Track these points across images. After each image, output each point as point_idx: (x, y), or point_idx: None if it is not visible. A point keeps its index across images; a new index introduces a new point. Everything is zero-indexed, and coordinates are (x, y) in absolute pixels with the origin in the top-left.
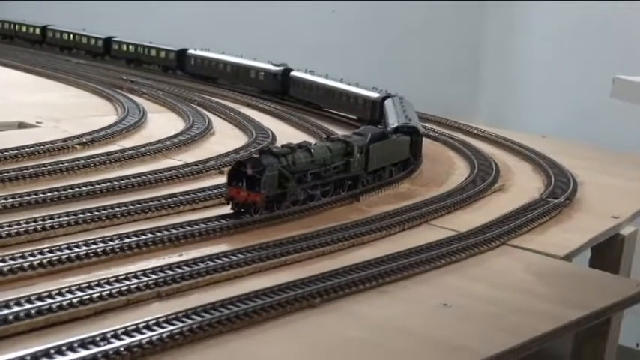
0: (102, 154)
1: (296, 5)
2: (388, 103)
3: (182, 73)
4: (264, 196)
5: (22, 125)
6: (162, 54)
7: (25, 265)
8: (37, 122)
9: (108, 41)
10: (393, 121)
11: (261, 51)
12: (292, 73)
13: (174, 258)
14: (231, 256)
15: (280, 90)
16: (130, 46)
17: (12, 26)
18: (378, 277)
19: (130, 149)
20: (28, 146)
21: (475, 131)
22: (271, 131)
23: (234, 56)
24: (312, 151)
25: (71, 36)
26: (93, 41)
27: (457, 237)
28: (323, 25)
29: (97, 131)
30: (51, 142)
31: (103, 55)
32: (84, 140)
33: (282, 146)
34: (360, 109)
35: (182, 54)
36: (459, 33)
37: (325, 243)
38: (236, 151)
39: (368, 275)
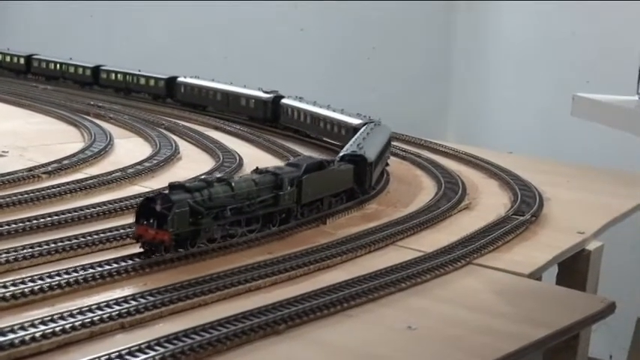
0: (68, 183)
1: (264, 21)
2: (362, 129)
3: (172, 102)
4: (172, 234)
5: None
6: (152, 82)
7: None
8: (2, 152)
9: (96, 70)
10: (347, 148)
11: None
12: (283, 100)
13: (139, 288)
14: (196, 285)
15: (271, 118)
16: (119, 75)
17: None
18: (343, 302)
19: (95, 177)
20: None
21: (442, 149)
22: (238, 154)
23: (224, 84)
24: (232, 184)
25: (58, 65)
26: (81, 70)
27: (423, 258)
28: (291, 44)
29: (63, 159)
30: (16, 172)
31: (91, 85)
32: (49, 169)
33: (199, 180)
34: (342, 136)
35: (172, 82)
36: (428, 51)
37: (290, 268)
38: (206, 174)
39: (333, 300)
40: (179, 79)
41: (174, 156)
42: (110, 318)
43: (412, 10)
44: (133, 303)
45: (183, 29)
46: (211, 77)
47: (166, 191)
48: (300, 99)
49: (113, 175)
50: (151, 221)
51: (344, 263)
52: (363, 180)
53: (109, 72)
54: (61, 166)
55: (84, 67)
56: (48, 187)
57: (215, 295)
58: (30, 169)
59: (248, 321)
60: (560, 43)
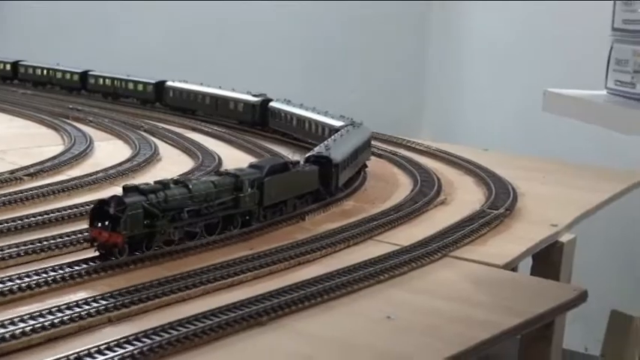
0: (49, 184)
1: (247, 23)
2: (339, 131)
3: (161, 106)
4: (125, 236)
5: None
6: (140, 87)
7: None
8: None
9: (84, 75)
10: (316, 150)
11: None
12: (271, 103)
13: (124, 283)
14: (180, 279)
15: (259, 121)
16: (107, 80)
17: None
18: (323, 294)
19: (76, 178)
20: None
21: (418, 147)
22: (217, 155)
23: (212, 87)
24: (190, 186)
25: (45, 71)
26: (68, 76)
27: (400, 251)
28: (273, 46)
29: (44, 161)
30: None
31: (79, 90)
32: (31, 171)
33: (155, 182)
34: (325, 138)
35: (160, 86)
36: (404, 51)
37: (272, 262)
38: (182, 176)
39: (314, 292)
40: (167, 83)
41: (153, 157)
42: (98, 312)
43: (388, 10)
44: (119, 298)
45: (164, 31)
46: (199, 80)
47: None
48: (288, 102)
49: (94, 176)
50: (106, 224)
51: (324, 257)
52: (328, 181)
53: (97, 77)
54: (42, 168)
55: (71, 73)
56: (31, 189)
57: (199, 290)
58: (12, 172)
59: (232, 313)
60: (535, 42)
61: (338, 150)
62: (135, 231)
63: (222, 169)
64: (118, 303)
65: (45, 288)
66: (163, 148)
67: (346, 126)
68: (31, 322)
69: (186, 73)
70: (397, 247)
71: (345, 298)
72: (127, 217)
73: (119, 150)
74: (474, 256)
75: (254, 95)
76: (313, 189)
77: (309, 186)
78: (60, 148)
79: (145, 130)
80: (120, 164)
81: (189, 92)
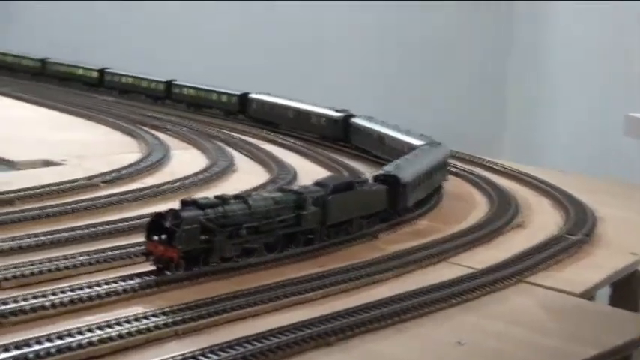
0: (125, 192)
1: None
2: (415, 150)
3: (244, 118)
4: (181, 251)
5: (47, 163)
6: (224, 98)
7: (47, 303)
8: (62, 160)
9: (169, 84)
10: (386, 168)
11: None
12: (354, 119)
13: (194, 296)
14: (248, 295)
15: (341, 137)
16: (191, 90)
17: (68, 68)
18: (394, 316)
19: (152, 187)
20: (52, 184)
21: (496, 167)
22: (293, 167)
23: (295, 101)
24: (249, 202)
25: (130, 79)
26: (154, 84)
27: (474, 275)
28: (352, 62)
29: (121, 169)
30: (75, 181)
31: (163, 99)
32: (107, 178)
33: (215, 197)
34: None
35: (244, 98)
36: (485, 71)
37: (342, 281)
38: (257, 189)
39: (384, 313)
40: (251, 95)
41: (229, 168)
42: (165, 325)
43: (469, 29)
44: (188, 311)
45: (249, 43)
46: (283, 91)
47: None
48: (370, 118)
49: (169, 185)
50: (162, 237)
51: (395, 278)
52: (396, 201)
53: (181, 86)
54: (118, 176)
55: (157, 82)
56: (106, 196)
57: (268, 306)
58: (88, 178)
59: (300, 332)
60: (617, 62)
61: (408, 169)
62: (191, 246)
63: (297, 182)
64: (186, 316)
65: (114, 298)
66: (239, 159)
67: (424, 145)
68: (99, 332)
69: (270, 84)
70: (471, 270)
71: (417, 320)
72: (183, 232)
73: (195, 159)
74: (549, 283)
75: (337, 110)
76: (380, 209)
77: (377, 206)
78: (137, 156)
79: (222, 141)
80: (195, 174)
81: (272, 105)
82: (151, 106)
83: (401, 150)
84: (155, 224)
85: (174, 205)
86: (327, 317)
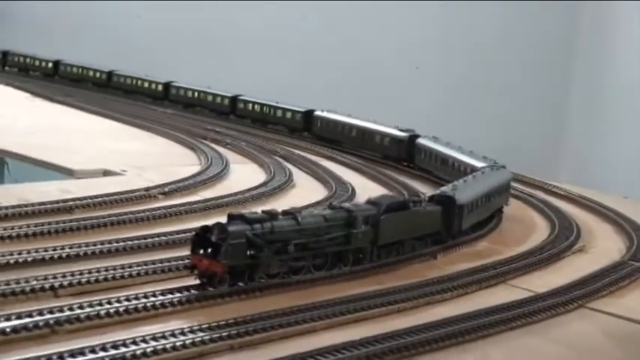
0: (183, 204)
1: (381, 58)
2: (476, 172)
3: (309, 135)
4: (225, 266)
5: (106, 173)
6: (289, 114)
7: (102, 312)
8: (122, 170)
9: (234, 100)
10: (442, 189)
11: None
12: (418, 140)
13: (249, 310)
14: (306, 311)
15: (405, 157)
16: (256, 106)
17: (134, 82)
18: (457, 336)
19: (209, 200)
20: (111, 194)
21: (556, 190)
22: (351, 184)
23: (360, 119)
24: (299, 218)
25: (195, 93)
26: (219, 99)
27: (535, 298)
28: (406, 82)
29: (179, 181)
30: (134, 191)
31: (228, 114)
32: (166, 190)
33: (263, 211)
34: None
35: (309, 115)
36: (545, 92)
37: (401, 300)
38: (315, 205)
39: (445, 334)
40: (316, 112)
41: (287, 183)
42: (220, 338)
43: (530, 50)
44: (243, 325)
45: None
46: (346, 109)
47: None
48: (435, 139)
49: (226, 199)
50: (207, 251)
51: (455, 299)
52: (451, 223)
53: (246, 102)
54: (176, 188)
55: (222, 97)
56: (164, 207)
57: (324, 323)
58: (147, 189)
59: (357, 350)
60: None
61: (466, 191)
62: (236, 261)
63: (355, 200)
64: (241, 330)
65: (170, 309)
66: (297, 174)
67: (486, 167)
68: (153, 343)
69: (334, 102)
70: (531, 294)
71: (477, 342)
72: (229, 246)
73: (254, 174)
74: (612, 309)
75: (401, 130)
76: (434, 230)
77: (430, 227)
78: (196, 169)
79: (281, 156)
80: (254, 188)
81: (336, 123)
82: (213, 121)
83: (464, 172)
84: (201, 238)
85: None
86: (384, 336)
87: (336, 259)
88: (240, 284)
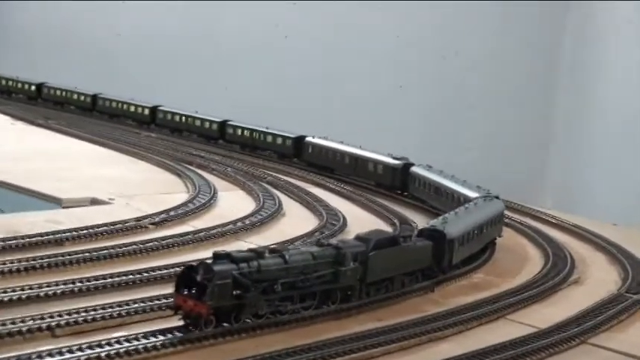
0: (174, 235)
1: (363, 77)
2: (468, 204)
3: (299, 162)
4: (211, 307)
5: (94, 201)
6: (279, 140)
7: (103, 354)
8: (109, 199)
9: (222, 125)
10: (432, 222)
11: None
12: (413, 168)
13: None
14: (309, 351)
15: (399, 185)
16: (245, 131)
17: (119, 105)
18: None
19: (201, 230)
20: (101, 225)
21: (545, 217)
22: (342, 213)
23: (352, 146)
24: (286, 257)
25: (183, 118)
26: (207, 124)
27: (536, 335)
28: (386, 101)
29: (169, 210)
30: (124, 221)
31: (216, 139)
32: (156, 220)
33: (249, 250)
34: None
35: (300, 141)
36: (528, 115)
37: (402, 338)
38: (309, 235)
39: None
40: (307, 138)
41: (277, 212)
42: None
43: (512, 73)
44: None
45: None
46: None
47: (210, 260)
48: (429, 167)
49: (218, 229)
50: (192, 291)
51: (456, 335)
52: (441, 258)
53: (235, 127)
54: (167, 217)
55: (210, 121)
56: (156, 239)
57: None
58: (138, 219)
59: None
60: None
61: (456, 224)
62: (222, 302)
63: (347, 229)
64: None
65: (170, 349)
66: (287, 202)
67: (478, 198)
68: None
69: (304, 123)
70: (532, 330)
71: None
72: (215, 287)
73: (242, 201)
74: (613, 345)
75: (395, 158)
76: (424, 266)
77: (420, 262)
78: (184, 197)
79: (268, 182)
80: (245, 217)
81: (328, 149)
82: (200, 146)
83: (457, 201)
84: (186, 276)
85: (226, 249)
86: None
87: (324, 298)
88: (226, 325)
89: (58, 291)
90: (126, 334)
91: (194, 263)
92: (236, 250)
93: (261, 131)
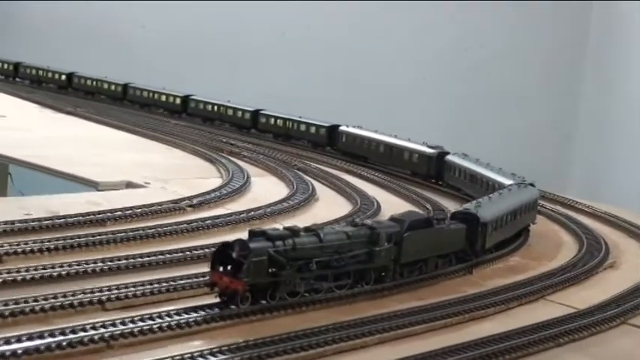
0: (212, 217)
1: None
2: (502, 190)
3: (332, 150)
4: (246, 284)
5: (129, 185)
6: (313, 129)
7: (155, 326)
8: (145, 182)
9: (255, 114)
10: (465, 206)
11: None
12: (448, 157)
13: (297, 326)
14: (355, 326)
15: (434, 174)
16: (279, 120)
17: (151, 94)
18: (504, 354)
19: (238, 212)
20: (139, 207)
21: (576, 205)
22: (375, 199)
23: (387, 135)
24: (321, 235)
25: (215, 107)
26: (240, 113)
27: (577, 315)
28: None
29: (206, 193)
30: (161, 203)
31: (249, 129)
32: (194, 202)
33: (285, 228)
34: None
35: (333, 130)
36: (554, 104)
37: (446, 315)
38: (345, 218)
39: (494, 351)
40: (341, 127)
41: (311, 197)
42: (284, 352)
43: (538, 66)
44: (297, 341)
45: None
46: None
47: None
48: (465, 155)
49: (256, 212)
50: (228, 268)
51: (497, 314)
52: (474, 241)
53: (268, 116)
54: (204, 200)
55: (243, 111)
56: (193, 220)
57: (375, 338)
58: (175, 202)
59: None
60: None
61: (490, 209)
62: (258, 279)
63: (381, 214)
64: (296, 345)
65: (221, 323)
66: (319, 187)
67: (513, 185)
68: (212, 358)
69: (330, 114)
70: (571, 310)
71: (525, 359)
72: (251, 264)
73: (275, 186)
74: None
75: (430, 147)
76: (458, 248)
77: (454, 245)
78: (218, 181)
79: (299, 169)
80: (280, 201)
81: (362, 138)
82: (232, 135)
83: (492, 189)
84: (221, 254)
85: None
86: (438, 352)
87: (358, 278)
88: (263, 302)
89: (105, 267)
90: (172, 308)
91: (230, 240)
92: (271, 228)
93: (295, 120)
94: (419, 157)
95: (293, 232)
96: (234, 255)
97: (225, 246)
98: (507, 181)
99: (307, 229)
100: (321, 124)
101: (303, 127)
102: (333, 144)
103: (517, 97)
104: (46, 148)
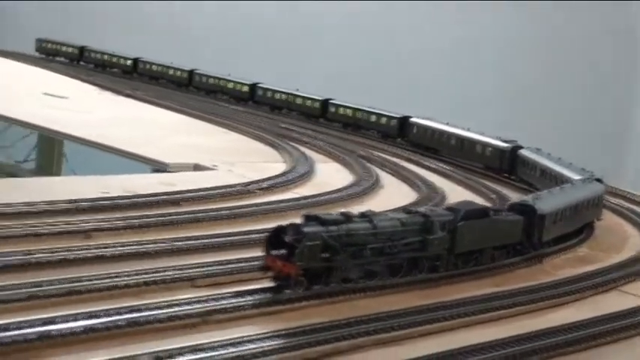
0: (282, 201)
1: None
2: (568, 184)
3: (403, 142)
4: (300, 268)
5: (197, 167)
6: (383, 120)
7: (246, 304)
8: (213, 165)
9: (325, 103)
10: (524, 198)
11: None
12: (521, 151)
13: (387, 307)
14: (436, 310)
15: (507, 168)
16: (348, 110)
17: (217, 81)
18: (588, 340)
19: (307, 197)
20: (212, 188)
21: (636, 198)
22: (441, 189)
23: (459, 128)
24: (374, 222)
25: (283, 95)
26: (309, 102)
27: None
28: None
29: (274, 177)
30: (231, 186)
31: (318, 118)
32: (264, 186)
33: (341, 213)
34: None
35: (404, 121)
36: (609, 94)
37: (526, 302)
38: (413, 205)
39: (576, 337)
40: (412, 119)
41: (376, 184)
42: (367, 333)
43: (596, 53)
44: (380, 322)
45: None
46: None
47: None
48: (538, 150)
49: (325, 197)
50: (282, 252)
51: (573, 302)
52: (531, 233)
53: (337, 106)
54: (274, 184)
55: (312, 100)
56: (264, 203)
57: (460, 322)
58: (245, 185)
59: (496, 351)
60: None
61: (549, 201)
62: (311, 263)
63: (446, 203)
64: (379, 326)
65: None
66: (382, 175)
67: (578, 180)
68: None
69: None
70: None
71: (607, 347)
72: (304, 248)
73: (339, 173)
74: None
75: (504, 140)
76: (515, 240)
77: (511, 237)
78: (282, 166)
79: (362, 157)
80: (347, 187)
81: (434, 130)
82: (298, 122)
83: (561, 184)
84: (276, 238)
85: None
86: (522, 337)
87: (411, 266)
88: (317, 287)
89: (184, 247)
90: (259, 287)
91: (284, 224)
92: (326, 212)
93: (365, 110)
94: (492, 150)
95: (347, 217)
96: (287, 239)
97: (279, 230)
98: (575, 176)
99: (361, 215)
100: (392, 115)
101: (373, 118)
102: (403, 135)
103: (573, 86)
104: (108, 129)
